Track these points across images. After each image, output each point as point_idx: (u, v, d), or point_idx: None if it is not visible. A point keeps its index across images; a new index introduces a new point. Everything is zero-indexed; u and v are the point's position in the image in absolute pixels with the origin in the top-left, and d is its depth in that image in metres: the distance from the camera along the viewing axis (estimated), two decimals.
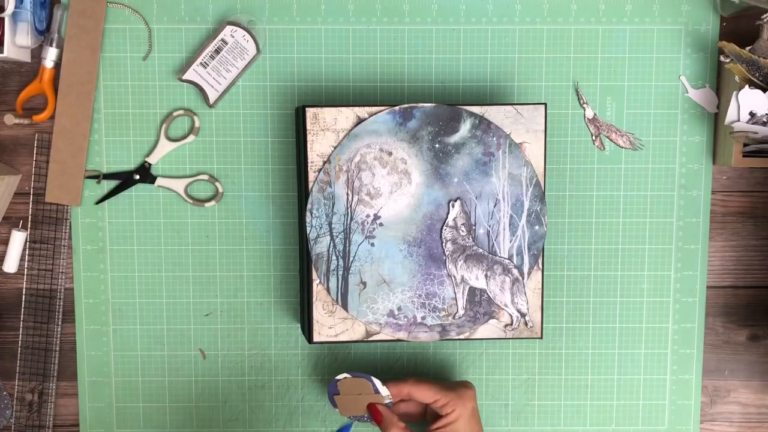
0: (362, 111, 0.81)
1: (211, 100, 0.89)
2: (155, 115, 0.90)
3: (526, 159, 0.82)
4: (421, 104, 0.81)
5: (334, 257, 0.82)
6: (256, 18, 0.89)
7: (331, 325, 0.83)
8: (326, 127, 0.81)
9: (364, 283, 0.83)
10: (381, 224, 0.82)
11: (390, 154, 0.82)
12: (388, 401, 0.85)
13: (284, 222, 0.91)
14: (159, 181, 0.90)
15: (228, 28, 0.87)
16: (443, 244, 0.83)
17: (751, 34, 0.88)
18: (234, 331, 0.92)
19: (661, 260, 0.93)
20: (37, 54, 0.89)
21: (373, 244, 0.82)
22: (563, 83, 0.91)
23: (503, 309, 0.84)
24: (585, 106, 0.91)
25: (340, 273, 0.83)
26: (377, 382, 0.85)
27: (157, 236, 0.91)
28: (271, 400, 0.94)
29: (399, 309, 0.83)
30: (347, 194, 0.82)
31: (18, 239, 0.90)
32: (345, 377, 0.86)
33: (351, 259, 0.82)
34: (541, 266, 0.83)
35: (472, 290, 0.83)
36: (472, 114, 0.82)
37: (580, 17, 0.90)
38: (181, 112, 0.89)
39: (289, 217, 0.91)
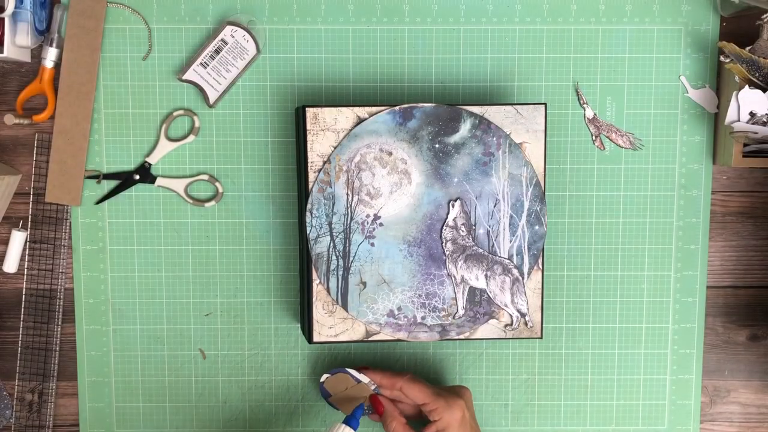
0: (362, 111, 0.81)
1: (211, 100, 0.89)
2: (155, 115, 0.90)
3: (526, 159, 0.82)
4: (421, 104, 0.81)
5: (334, 257, 0.82)
6: (256, 18, 0.89)
7: (331, 325, 0.83)
8: (326, 127, 0.81)
9: (364, 283, 0.83)
10: (381, 224, 0.82)
11: (390, 154, 0.82)
12: (373, 387, 0.86)
13: (284, 222, 0.91)
14: (159, 181, 0.90)
15: (228, 28, 0.87)
16: (443, 244, 0.83)
17: (751, 34, 0.88)
18: (234, 331, 0.92)
19: (661, 260, 0.93)
20: (37, 54, 0.89)
21: (373, 244, 0.82)
22: (563, 83, 0.91)
23: (503, 309, 0.84)
24: (585, 106, 0.91)
25: (340, 273, 0.83)
26: (353, 372, 0.86)
27: (157, 236, 0.91)
28: (271, 400, 0.94)
29: (399, 309, 0.83)
30: (347, 194, 0.82)
31: (18, 239, 0.90)
32: (326, 377, 0.87)
33: (351, 259, 0.82)
34: (541, 266, 0.83)
35: (472, 290, 0.83)
36: (472, 114, 0.82)
37: (580, 17, 0.90)
38: (181, 112, 0.89)
39: (289, 217, 0.91)
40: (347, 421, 0.82)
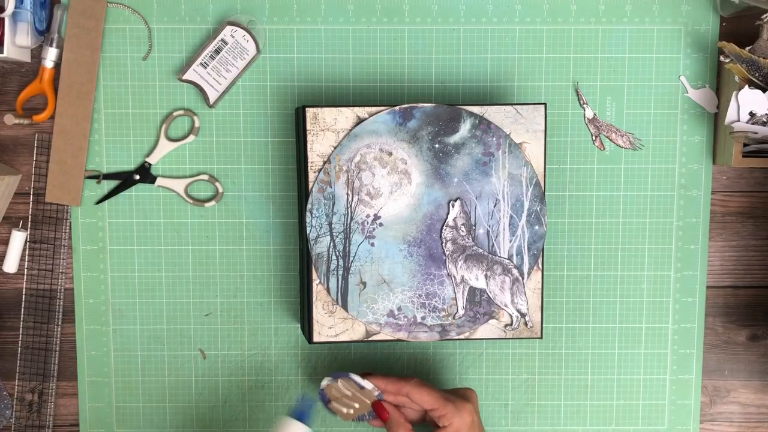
0: (362, 111, 0.81)
1: (211, 100, 0.89)
2: (155, 115, 0.90)
3: (526, 159, 0.83)
4: (421, 104, 0.81)
5: (334, 257, 0.82)
6: (256, 18, 0.89)
7: (331, 325, 0.83)
8: (326, 127, 0.81)
9: (364, 283, 0.83)
10: (381, 224, 0.82)
11: (390, 154, 0.82)
12: (377, 393, 0.84)
13: (284, 222, 0.91)
14: (159, 181, 0.90)
15: (228, 28, 0.87)
16: (443, 244, 0.83)
17: (751, 34, 0.88)
18: (234, 331, 0.92)
19: (661, 260, 0.93)
20: (37, 54, 0.89)
21: (373, 244, 0.82)
22: (563, 83, 0.91)
23: (503, 309, 0.84)
24: (585, 106, 0.91)
25: (340, 273, 0.83)
26: (357, 378, 0.84)
27: (157, 236, 0.91)
28: (271, 400, 0.94)
29: (399, 309, 0.83)
30: (347, 194, 0.82)
31: (18, 239, 0.90)
32: (328, 383, 0.86)
33: (351, 259, 0.82)
34: (541, 266, 0.84)
35: (472, 290, 0.83)
36: (472, 114, 0.82)
37: (580, 17, 0.90)
38: (181, 112, 0.89)
39: (289, 217, 0.91)
40: (295, 414, 0.81)
